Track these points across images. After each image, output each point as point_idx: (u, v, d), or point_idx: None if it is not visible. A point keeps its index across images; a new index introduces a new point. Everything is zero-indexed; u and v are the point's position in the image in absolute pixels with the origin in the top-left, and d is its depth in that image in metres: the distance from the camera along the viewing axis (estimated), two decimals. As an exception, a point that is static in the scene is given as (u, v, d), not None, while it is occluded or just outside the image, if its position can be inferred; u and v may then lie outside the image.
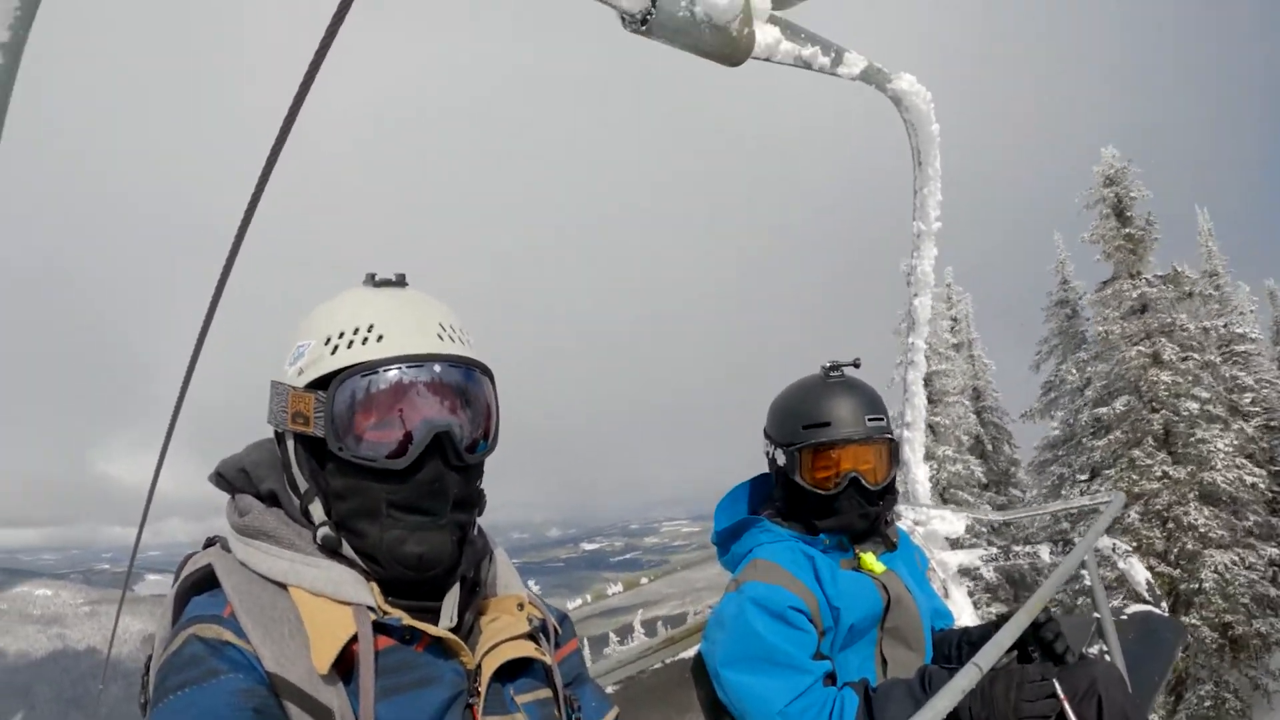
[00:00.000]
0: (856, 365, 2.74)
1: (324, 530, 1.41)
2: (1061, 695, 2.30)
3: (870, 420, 2.60)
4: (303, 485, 1.45)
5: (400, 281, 1.52)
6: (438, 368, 1.42)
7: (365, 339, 1.40)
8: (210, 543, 1.51)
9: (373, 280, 1.51)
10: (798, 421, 2.62)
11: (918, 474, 4.21)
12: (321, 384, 1.41)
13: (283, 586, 1.38)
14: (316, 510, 1.43)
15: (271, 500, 1.48)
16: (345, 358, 1.40)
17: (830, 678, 2.47)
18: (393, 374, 1.39)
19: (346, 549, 1.42)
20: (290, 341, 1.48)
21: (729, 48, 2.39)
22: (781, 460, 2.63)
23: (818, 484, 2.58)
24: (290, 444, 1.45)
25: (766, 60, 2.61)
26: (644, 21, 2.15)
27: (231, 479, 1.53)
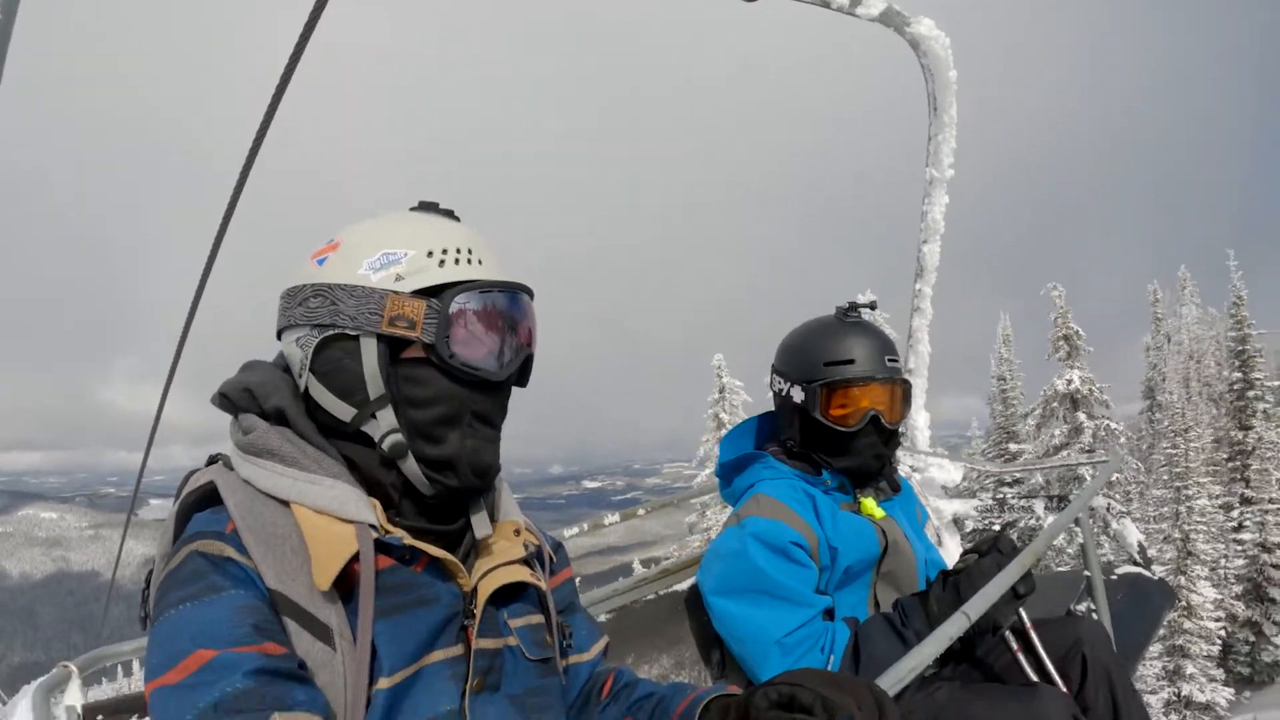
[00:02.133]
0: (873, 307, 2.74)
1: (395, 438, 1.43)
2: (1026, 619, 2.39)
3: (890, 361, 2.62)
4: (374, 391, 1.44)
5: (453, 215, 1.57)
6: (525, 297, 1.52)
7: (470, 260, 1.47)
8: (212, 461, 1.52)
9: (436, 208, 1.56)
10: (819, 358, 2.62)
11: (918, 421, 4.23)
12: (425, 294, 1.44)
13: (285, 504, 1.39)
14: (386, 417, 1.44)
15: (277, 418, 1.48)
16: (454, 273, 1.45)
17: (829, 613, 2.50)
18: (500, 296, 1.48)
19: (410, 463, 1.44)
20: (355, 250, 1.48)
21: (747, -19, 2.34)
22: (799, 397, 2.63)
23: (837, 421, 2.58)
24: (369, 348, 1.44)
25: (784, -4, 2.57)
26: (666, -50, 2.11)
27: (235, 399, 1.53)
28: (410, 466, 1.45)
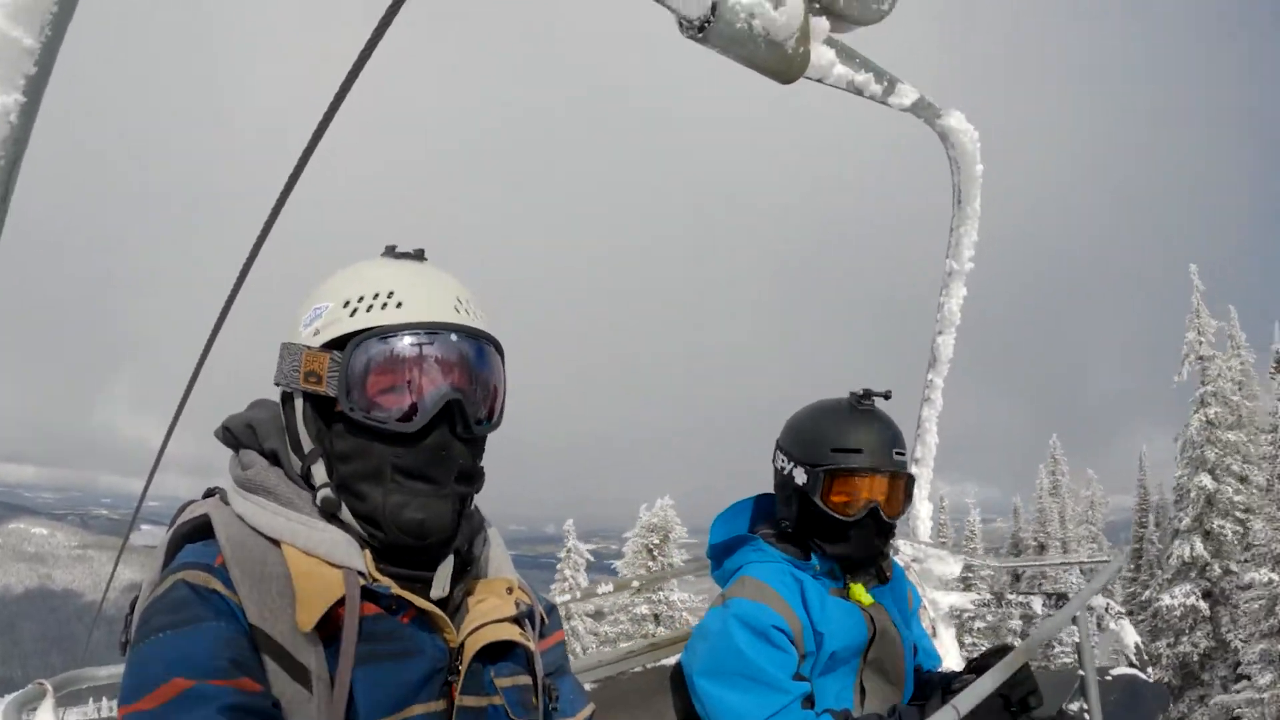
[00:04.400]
0: (887, 397, 2.66)
1: (324, 492, 1.42)
2: None
3: (897, 454, 2.57)
4: (307, 446, 1.45)
5: (419, 255, 1.53)
6: (453, 337, 1.43)
7: (384, 304, 1.41)
8: (209, 494, 1.52)
9: (392, 252, 1.53)
10: (826, 444, 2.57)
11: (921, 511, 4.18)
12: (337, 345, 1.41)
13: (276, 544, 1.38)
14: (319, 472, 1.43)
15: (274, 459, 1.49)
16: (362, 320, 1.41)
17: (809, 700, 2.46)
18: (408, 339, 1.40)
19: (345, 513, 1.43)
20: (305, 306, 1.49)
21: (783, 64, 2.37)
22: (801, 479, 2.57)
23: (837, 509, 2.53)
24: (299, 404, 1.46)
25: (819, 81, 2.60)
26: (701, 29, 2.15)
27: (238, 434, 1.54)
28: (348, 520, 1.43)
